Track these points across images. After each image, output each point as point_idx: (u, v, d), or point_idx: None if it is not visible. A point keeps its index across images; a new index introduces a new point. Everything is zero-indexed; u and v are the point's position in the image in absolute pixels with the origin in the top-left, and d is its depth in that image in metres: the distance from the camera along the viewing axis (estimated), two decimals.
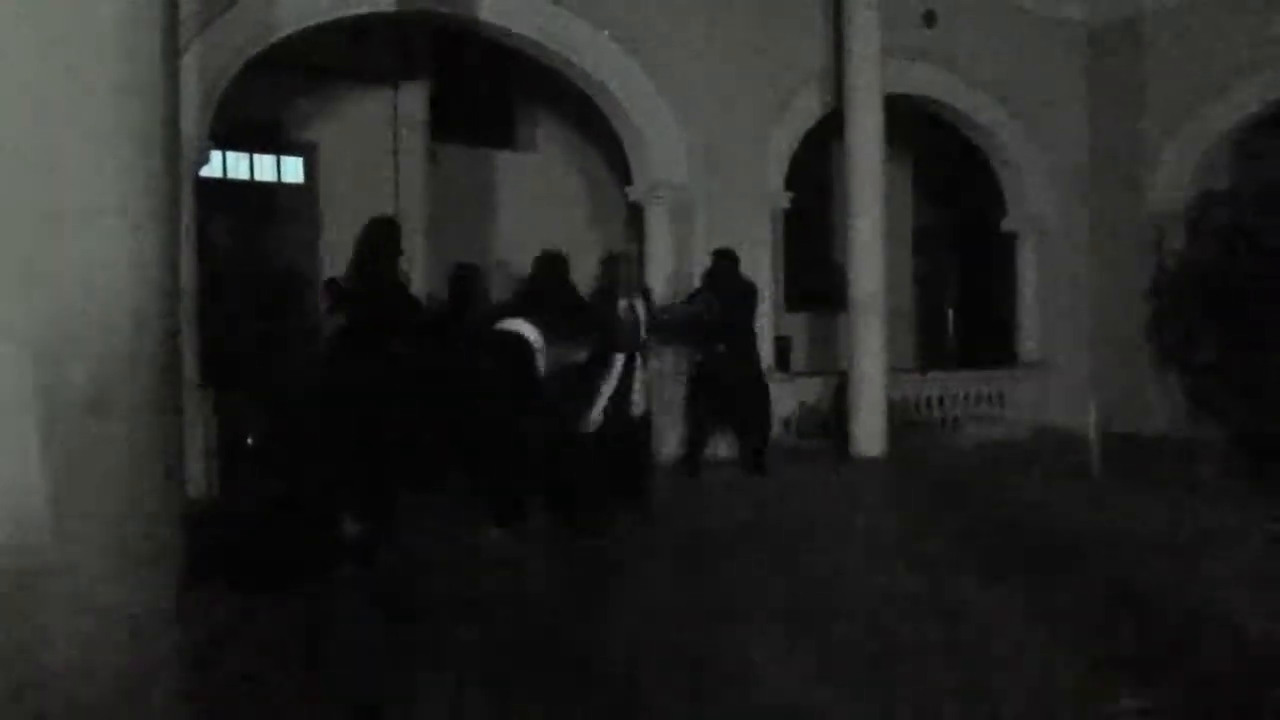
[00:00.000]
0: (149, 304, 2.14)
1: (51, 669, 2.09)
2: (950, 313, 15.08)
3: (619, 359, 7.39)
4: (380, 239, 6.58)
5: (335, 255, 10.65)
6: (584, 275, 11.95)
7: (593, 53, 9.69)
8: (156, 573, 2.21)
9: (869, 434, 10.29)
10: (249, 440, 7.54)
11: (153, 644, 2.22)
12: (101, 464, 2.10)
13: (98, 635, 2.15)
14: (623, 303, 7.54)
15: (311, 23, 8.30)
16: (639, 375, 7.54)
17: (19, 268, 2.02)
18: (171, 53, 2.19)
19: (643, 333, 7.60)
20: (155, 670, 2.25)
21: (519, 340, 6.53)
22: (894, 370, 11.10)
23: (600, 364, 7.30)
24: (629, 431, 7.46)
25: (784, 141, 10.81)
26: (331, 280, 8.14)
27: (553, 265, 7.22)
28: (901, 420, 11.00)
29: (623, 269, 7.75)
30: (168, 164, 2.19)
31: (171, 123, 2.20)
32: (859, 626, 4.72)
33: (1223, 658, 4.28)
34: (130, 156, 2.11)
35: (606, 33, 9.69)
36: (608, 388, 7.33)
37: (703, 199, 10.26)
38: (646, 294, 8.07)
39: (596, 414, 7.30)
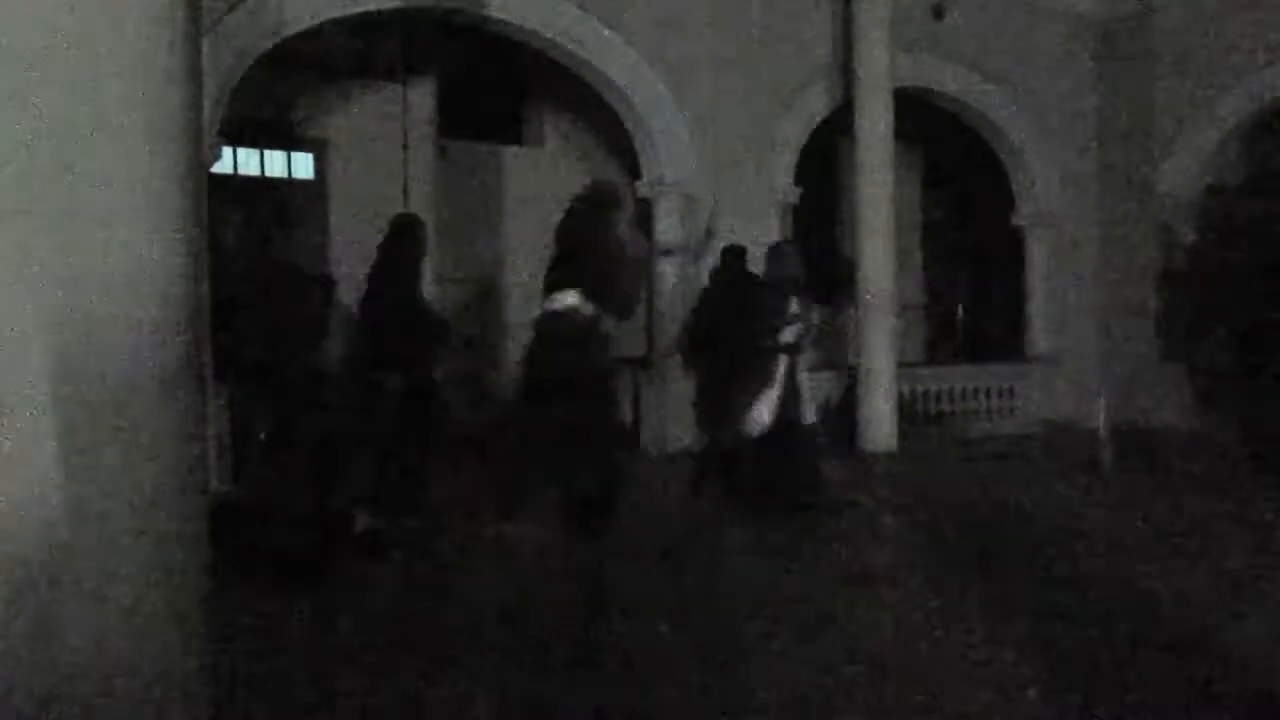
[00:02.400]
0: (173, 305, 2.16)
1: (68, 668, 2.10)
2: (960, 307, 15.07)
3: (783, 359, 7.01)
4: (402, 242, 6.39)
5: (345, 250, 10.72)
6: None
7: (601, 48, 9.70)
8: (180, 573, 2.23)
9: (880, 429, 10.28)
10: (261, 435, 7.56)
11: (176, 644, 2.23)
12: (124, 470, 2.11)
13: (116, 634, 2.15)
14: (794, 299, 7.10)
15: (321, 20, 8.32)
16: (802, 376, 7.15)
17: (42, 269, 2.03)
18: (194, 52, 2.20)
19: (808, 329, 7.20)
20: (176, 669, 2.25)
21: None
22: (903, 365, 11.09)
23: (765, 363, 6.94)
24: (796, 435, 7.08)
25: (792, 136, 10.81)
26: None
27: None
28: (911, 414, 11.00)
29: (789, 262, 7.24)
30: (191, 165, 2.20)
31: (195, 123, 2.21)
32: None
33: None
34: (153, 157, 2.12)
35: (614, 31, 9.70)
36: (774, 390, 6.93)
37: (711, 194, 10.26)
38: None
39: (761, 416, 6.91)
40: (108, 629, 2.13)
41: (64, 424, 2.03)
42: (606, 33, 9.68)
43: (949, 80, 11.70)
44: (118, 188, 2.09)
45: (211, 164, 8.02)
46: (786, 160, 10.77)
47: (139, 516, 2.13)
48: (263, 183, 10.58)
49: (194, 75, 2.20)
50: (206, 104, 7.57)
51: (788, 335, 7.04)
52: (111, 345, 2.08)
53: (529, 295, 10.68)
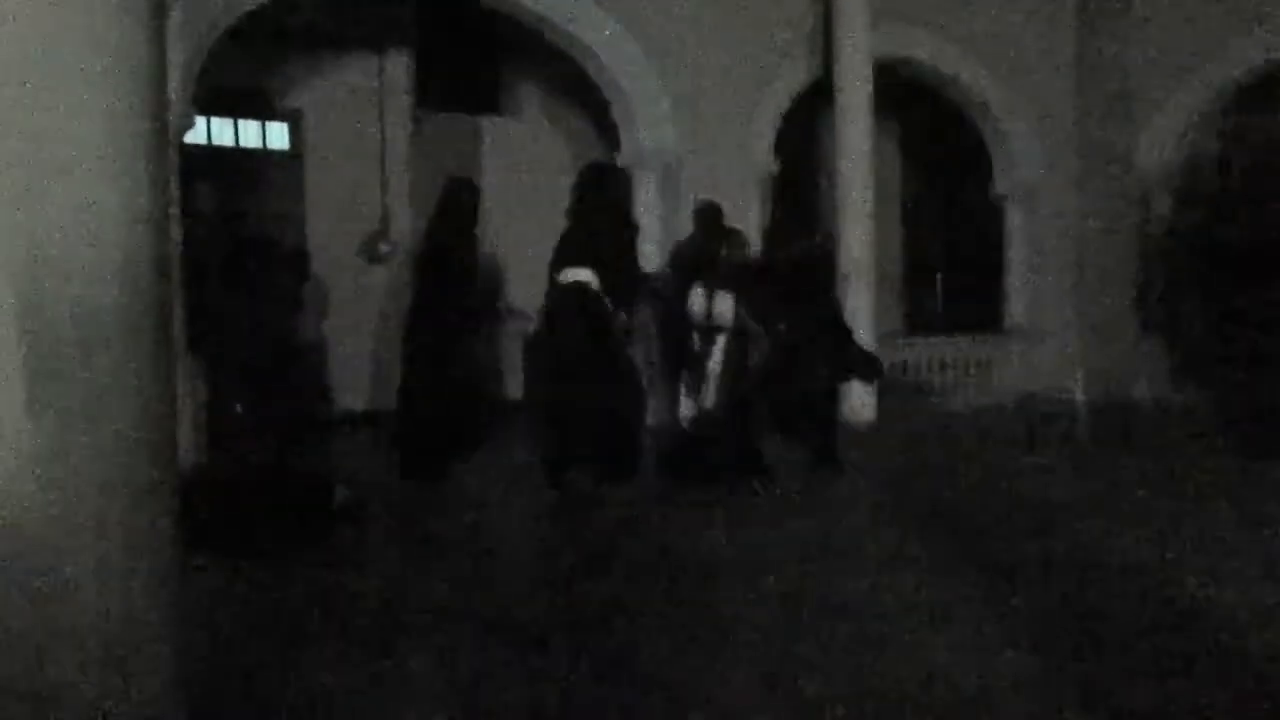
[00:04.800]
0: (139, 256, 2.13)
1: (30, 623, 2.06)
2: (938, 279, 15.08)
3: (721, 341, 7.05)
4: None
5: (320, 221, 10.64)
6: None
7: (579, 17, 9.61)
8: (149, 526, 2.20)
9: (859, 401, 10.28)
10: (237, 408, 7.53)
11: (146, 616, 2.20)
12: (90, 417, 2.08)
13: (83, 589, 2.12)
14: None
15: None
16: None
17: (3, 213, 2.00)
18: (157, 7, 2.17)
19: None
20: (149, 640, 2.22)
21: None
22: (882, 336, 11.09)
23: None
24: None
25: (772, 107, 10.76)
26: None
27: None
28: (890, 387, 11.00)
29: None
30: (155, 111, 2.18)
31: (158, 66, 2.18)
32: None
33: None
34: (116, 103, 2.09)
35: (594, 1, 9.63)
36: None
37: (690, 165, 10.22)
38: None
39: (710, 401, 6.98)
40: (74, 582, 2.09)
41: (30, 369, 2.01)
42: (585, 2, 9.60)
43: (929, 52, 11.66)
44: (80, 132, 2.06)
45: (185, 133, 7.92)
46: (766, 131, 10.73)
47: (106, 464, 2.10)
48: (237, 153, 10.46)
49: (157, 30, 2.16)
50: (181, 72, 7.51)
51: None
52: (75, 292, 2.05)
53: (505, 265, 10.72)
